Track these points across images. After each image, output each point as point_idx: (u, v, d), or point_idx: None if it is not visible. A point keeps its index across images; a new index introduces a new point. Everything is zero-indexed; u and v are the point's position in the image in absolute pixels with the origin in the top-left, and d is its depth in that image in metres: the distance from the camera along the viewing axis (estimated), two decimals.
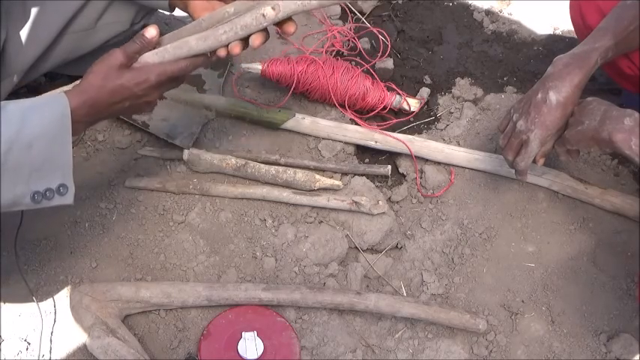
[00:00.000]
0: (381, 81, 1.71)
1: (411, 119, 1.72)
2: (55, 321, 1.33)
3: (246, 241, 1.47)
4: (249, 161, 1.54)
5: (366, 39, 1.84)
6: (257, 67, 1.63)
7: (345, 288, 1.42)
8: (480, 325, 1.34)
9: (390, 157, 1.66)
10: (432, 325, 1.39)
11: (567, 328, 1.41)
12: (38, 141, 1.02)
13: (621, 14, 1.30)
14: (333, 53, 1.79)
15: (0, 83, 1.29)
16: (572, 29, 1.58)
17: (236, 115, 1.63)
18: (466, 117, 1.70)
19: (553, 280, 1.47)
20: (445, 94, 1.78)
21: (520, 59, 1.87)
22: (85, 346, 1.28)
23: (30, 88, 1.59)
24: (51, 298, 1.36)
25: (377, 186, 1.58)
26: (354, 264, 1.46)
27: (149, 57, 1.16)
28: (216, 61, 1.26)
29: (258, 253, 1.45)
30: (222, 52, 1.16)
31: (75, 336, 1.30)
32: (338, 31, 1.83)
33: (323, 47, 1.80)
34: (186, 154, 1.52)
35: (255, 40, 1.14)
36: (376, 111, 1.69)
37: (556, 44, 1.89)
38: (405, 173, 1.62)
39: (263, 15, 1.12)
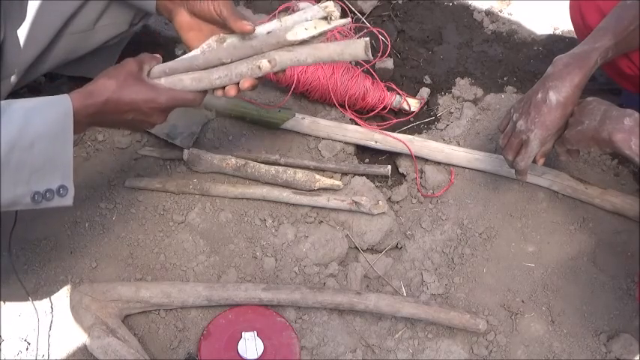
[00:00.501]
0: (381, 81, 1.71)
1: (411, 119, 1.72)
2: (54, 321, 1.33)
3: (246, 241, 1.47)
4: (249, 161, 1.54)
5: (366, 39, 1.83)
6: None
7: (345, 288, 1.42)
8: (479, 325, 1.34)
9: (390, 157, 1.66)
10: (432, 325, 1.39)
11: (567, 328, 1.41)
12: (40, 141, 1.02)
13: (621, 14, 1.30)
14: None
15: (0, 84, 1.29)
16: (572, 29, 1.58)
17: (236, 115, 1.63)
18: (466, 117, 1.70)
19: (553, 280, 1.47)
20: (445, 94, 1.78)
21: (520, 59, 1.87)
22: (84, 346, 1.28)
23: (30, 88, 1.59)
24: (51, 298, 1.36)
25: (377, 186, 1.58)
26: (354, 264, 1.46)
27: (159, 78, 1.18)
28: None
29: (258, 253, 1.45)
30: (218, 93, 1.19)
31: (75, 336, 1.30)
32: (338, 31, 1.83)
33: None
34: (186, 154, 1.52)
35: (245, 83, 1.17)
36: (376, 111, 1.69)
37: (556, 44, 1.89)
38: (405, 173, 1.62)
39: (259, 67, 1.15)
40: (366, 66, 1.74)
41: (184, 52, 1.30)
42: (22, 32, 1.29)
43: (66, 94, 1.08)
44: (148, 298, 1.32)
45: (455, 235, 1.52)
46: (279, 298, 1.33)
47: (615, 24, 1.29)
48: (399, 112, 1.73)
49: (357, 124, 1.65)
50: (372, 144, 1.62)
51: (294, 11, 1.84)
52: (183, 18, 1.25)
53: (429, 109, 1.75)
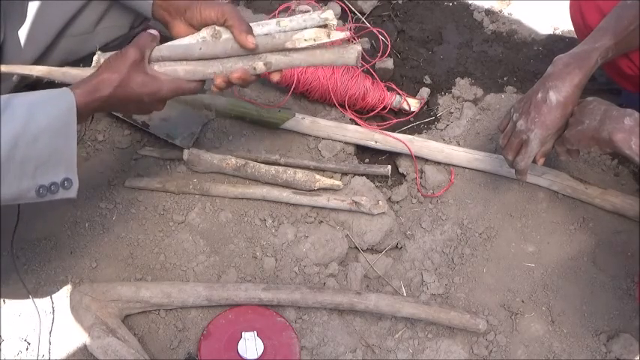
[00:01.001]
0: (381, 81, 1.72)
1: (411, 119, 1.72)
2: (54, 321, 1.33)
3: (246, 241, 1.47)
4: (249, 161, 1.54)
5: (366, 39, 1.84)
6: None
7: (345, 288, 1.42)
8: (479, 325, 1.34)
9: (390, 157, 1.66)
10: (432, 325, 1.39)
11: (567, 328, 1.41)
12: (44, 135, 1.03)
13: (621, 14, 1.30)
14: None
15: (0, 79, 1.29)
16: (572, 29, 1.58)
17: (236, 115, 1.63)
18: (466, 117, 1.70)
19: (553, 280, 1.47)
20: (445, 94, 1.78)
21: (520, 59, 1.87)
22: (85, 346, 1.28)
23: (30, 88, 1.58)
24: (51, 298, 1.36)
25: (377, 186, 1.58)
26: (354, 264, 1.46)
27: (157, 62, 1.17)
28: None
29: (258, 253, 1.45)
30: (214, 89, 1.21)
31: (75, 336, 1.30)
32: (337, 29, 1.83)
33: None
34: (186, 154, 1.52)
35: (234, 74, 1.18)
36: (376, 111, 1.69)
37: (556, 44, 1.89)
38: (405, 173, 1.62)
39: (254, 67, 1.18)
40: (366, 66, 1.74)
41: None
42: (23, 33, 1.29)
43: (68, 89, 1.08)
44: (148, 298, 1.32)
45: (455, 235, 1.52)
46: (279, 298, 1.33)
47: (615, 24, 1.29)
48: (399, 112, 1.73)
49: (357, 124, 1.65)
50: (372, 144, 1.62)
51: (294, 11, 1.85)
52: (180, 29, 1.25)
53: (429, 109, 1.75)
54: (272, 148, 1.61)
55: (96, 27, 1.39)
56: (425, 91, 1.76)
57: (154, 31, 1.19)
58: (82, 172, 1.50)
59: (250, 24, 1.17)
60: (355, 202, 1.48)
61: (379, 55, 1.78)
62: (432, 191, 1.58)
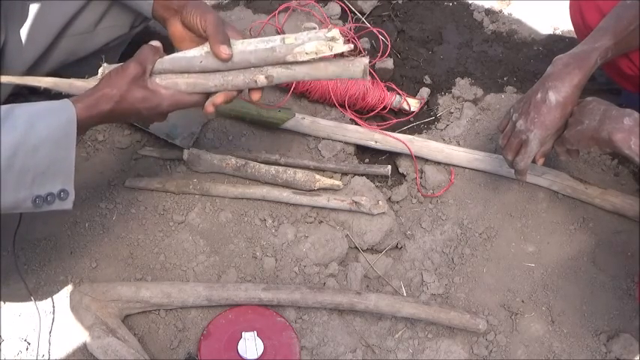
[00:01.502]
0: (381, 81, 1.72)
1: (411, 119, 1.72)
2: (54, 321, 1.33)
3: (246, 241, 1.47)
4: (249, 161, 1.54)
5: (366, 39, 1.83)
6: None
7: (345, 288, 1.42)
8: (479, 325, 1.34)
9: (390, 157, 1.66)
10: (432, 325, 1.39)
11: (567, 328, 1.41)
12: (43, 145, 1.03)
13: (621, 14, 1.30)
14: (336, 54, 1.79)
15: (0, 84, 1.29)
16: (572, 29, 1.58)
17: (236, 115, 1.63)
18: (466, 117, 1.70)
19: (553, 280, 1.47)
20: (445, 94, 1.78)
21: (520, 59, 1.87)
22: (85, 346, 1.28)
23: (31, 89, 1.58)
24: (51, 298, 1.36)
25: (377, 186, 1.58)
26: (354, 264, 1.46)
27: (159, 75, 1.17)
28: None
29: (258, 253, 1.45)
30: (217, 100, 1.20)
31: (75, 336, 1.30)
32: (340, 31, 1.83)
33: None
34: (186, 154, 1.52)
35: (254, 95, 1.19)
36: (376, 111, 1.69)
37: (556, 44, 1.89)
38: (405, 173, 1.62)
39: (255, 81, 1.16)
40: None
41: None
42: (24, 33, 1.29)
43: (69, 101, 1.08)
44: (148, 298, 1.32)
45: (455, 235, 1.52)
46: (279, 298, 1.33)
47: (615, 24, 1.29)
48: (399, 112, 1.73)
49: (357, 124, 1.65)
50: (372, 144, 1.62)
51: (294, 11, 1.85)
52: (176, 29, 1.24)
53: (429, 109, 1.75)
54: (272, 148, 1.61)
55: (96, 27, 1.39)
56: (425, 91, 1.76)
57: (156, 43, 1.18)
58: (82, 172, 1.51)
59: (255, 39, 1.16)
60: (355, 202, 1.48)
61: (379, 55, 1.79)
62: (432, 191, 1.58)
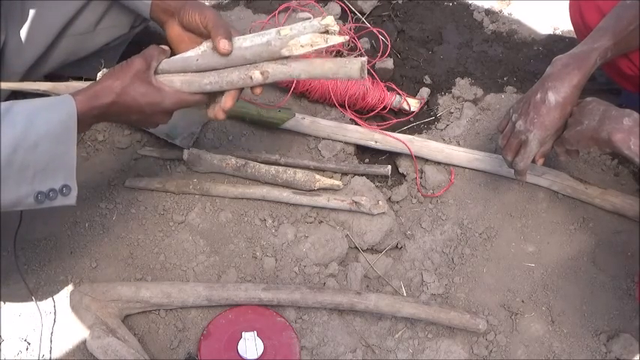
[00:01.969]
0: (381, 81, 1.72)
1: (411, 119, 1.72)
2: (55, 321, 1.33)
3: (246, 241, 1.47)
4: (249, 161, 1.54)
5: (366, 39, 1.84)
6: None
7: (345, 288, 1.42)
8: (479, 325, 1.34)
9: (390, 157, 1.66)
10: (432, 325, 1.39)
11: (567, 328, 1.41)
12: (44, 141, 1.02)
13: (621, 14, 1.30)
14: (333, 53, 1.79)
15: (0, 84, 1.29)
16: (572, 29, 1.58)
17: (236, 115, 1.63)
18: (466, 117, 1.70)
19: (553, 280, 1.47)
20: (445, 94, 1.78)
21: (520, 59, 1.87)
22: (85, 346, 1.28)
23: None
24: (51, 298, 1.36)
25: (377, 186, 1.58)
26: (354, 264, 1.46)
27: (165, 77, 1.17)
28: None
29: (258, 253, 1.45)
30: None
31: (75, 336, 1.30)
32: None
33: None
34: (186, 154, 1.52)
35: (226, 103, 1.19)
36: (376, 111, 1.69)
37: (556, 44, 1.89)
38: (405, 173, 1.62)
39: (250, 77, 1.15)
40: (367, 66, 1.74)
41: None
42: (24, 33, 1.29)
43: (69, 95, 1.08)
44: (148, 298, 1.32)
45: (455, 235, 1.52)
46: (279, 298, 1.33)
47: (615, 24, 1.29)
48: (399, 112, 1.73)
49: (357, 124, 1.66)
50: (372, 144, 1.62)
51: (294, 11, 1.85)
52: (174, 31, 1.24)
53: (429, 109, 1.75)
54: (272, 148, 1.61)
55: (96, 27, 1.40)
56: (425, 91, 1.76)
57: (165, 47, 1.19)
58: (82, 172, 1.51)
59: (251, 34, 1.16)
60: (355, 202, 1.48)
61: (379, 55, 1.79)
62: (432, 191, 1.58)
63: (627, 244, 1.50)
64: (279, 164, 1.56)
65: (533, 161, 1.35)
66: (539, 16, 1.96)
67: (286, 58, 1.14)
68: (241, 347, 1.28)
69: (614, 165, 1.64)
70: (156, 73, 1.17)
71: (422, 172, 1.60)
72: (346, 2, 1.91)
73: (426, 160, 1.61)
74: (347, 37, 1.13)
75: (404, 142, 1.60)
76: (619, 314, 1.42)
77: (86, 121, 1.10)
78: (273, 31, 1.15)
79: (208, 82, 1.16)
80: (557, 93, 1.27)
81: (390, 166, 1.59)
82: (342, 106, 1.67)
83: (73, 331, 1.31)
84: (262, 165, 1.54)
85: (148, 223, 1.48)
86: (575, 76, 1.27)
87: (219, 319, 1.33)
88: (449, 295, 1.44)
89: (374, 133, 1.62)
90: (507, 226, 1.54)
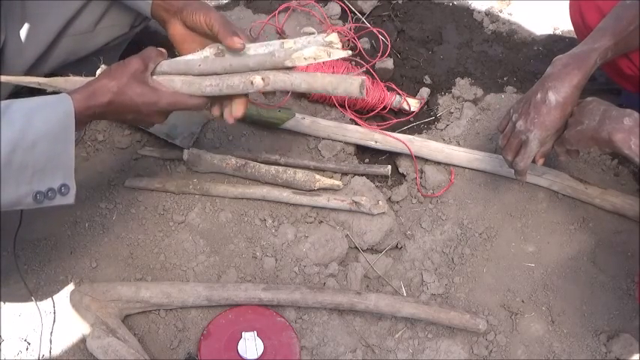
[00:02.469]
0: (381, 81, 1.72)
1: (411, 119, 1.72)
2: (54, 321, 1.33)
3: (246, 241, 1.47)
4: (249, 161, 1.54)
5: (366, 39, 1.84)
6: None
7: (345, 288, 1.42)
8: (479, 325, 1.34)
9: (390, 157, 1.66)
10: (432, 325, 1.39)
11: (567, 328, 1.41)
12: (41, 141, 1.02)
13: (621, 14, 1.30)
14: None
15: (0, 84, 1.29)
16: (572, 29, 1.58)
17: None
18: (466, 117, 1.70)
19: (553, 280, 1.47)
20: (445, 94, 1.78)
21: (520, 59, 1.87)
22: (85, 346, 1.28)
23: (31, 89, 1.58)
24: (51, 298, 1.36)
25: (377, 186, 1.58)
26: (354, 264, 1.46)
27: (163, 79, 1.17)
28: None
29: (258, 253, 1.45)
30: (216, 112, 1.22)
31: (75, 336, 1.30)
32: (338, 31, 1.83)
33: None
34: (186, 154, 1.52)
35: (238, 112, 1.19)
36: (376, 111, 1.69)
37: (556, 44, 1.89)
38: (405, 173, 1.62)
39: (251, 82, 1.14)
40: (366, 66, 1.74)
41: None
42: (24, 33, 1.29)
43: (66, 94, 1.08)
44: (148, 298, 1.32)
45: (455, 235, 1.52)
46: (279, 298, 1.33)
47: (615, 24, 1.29)
48: (399, 112, 1.73)
49: (357, 124, 1.66)
50: (372, 144, 1.62)
51: (293, 12, 1.85)
52: (177, 30, 1.24)
53: (429, 109, 1.75)
54: (272, 148, 1.61)
55: (96, 26, 1.39)
56: (425, 91, 1.76)
57: (162, 49, 1.19)
58: (82, 172, 1.51)
59: (254, 44, 1.17)
60: (355, 202, 1.48)
61: (379, 55, 1.79)
62: (432, 191, 1.58)
63: (627, 244, 1.50)
64: (279, 164, 1.56)
65: (534, 161, 1.35)
66: (539, 16, 1.96)
67: (288, 68, 1.15)
68: (241, 347, 1.28)
69: (614, 165, 1.64)
70: (153, 74, 1.17)
71: (422, 172, 1.60)
72: (346, 2, 1.91)
73: (426, 160, 1.61)
74: (349, 52, 1.14)
75: (404, 142, 1.60)
76: (619, 314, 1.42)
77: (83, 119, 1.10)
78: (277, 42, 1.15)
79: (209, 84, 1.16)
80: (557, 93, 1.27)
81: (390, 166, 1.59)
82: (342, 106, 1.67)
83: (73, 331, 1.31)
84: (262, 165, 1.54)
85: (148, 223, 1.48)
86: (576, 76, 1.27)
87: (219, 319, 1.33)
88: (449, 295, 1.44)
89: (374, 133, 1.62)
90: (507, 226, 1.54)
